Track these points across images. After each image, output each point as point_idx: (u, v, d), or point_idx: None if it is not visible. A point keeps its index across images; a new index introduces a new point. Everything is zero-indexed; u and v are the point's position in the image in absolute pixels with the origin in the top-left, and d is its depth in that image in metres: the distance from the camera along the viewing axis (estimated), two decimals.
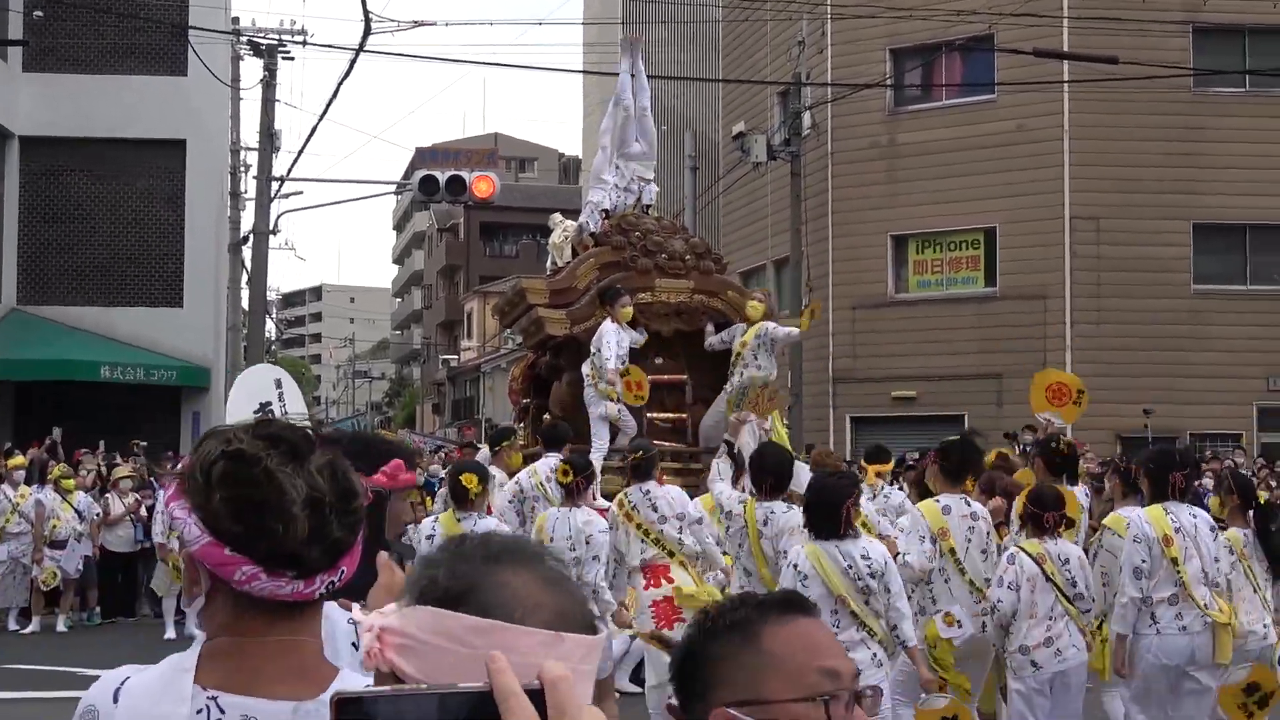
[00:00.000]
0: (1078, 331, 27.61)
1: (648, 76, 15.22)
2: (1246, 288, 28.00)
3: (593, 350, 12.65)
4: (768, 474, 8.25)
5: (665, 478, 12.09)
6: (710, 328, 13.46)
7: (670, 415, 13.56)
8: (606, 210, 14.29)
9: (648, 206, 14.79)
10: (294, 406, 4.08)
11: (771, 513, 8.10)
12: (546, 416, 13.48)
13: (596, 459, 12.15)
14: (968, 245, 29.13)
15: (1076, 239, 27.59)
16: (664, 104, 46.73)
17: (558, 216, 15.31)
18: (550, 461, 10.94)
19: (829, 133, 29.86)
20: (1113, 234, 27.33)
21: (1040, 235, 27.80)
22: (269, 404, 4.13)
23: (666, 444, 12.95)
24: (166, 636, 15.39)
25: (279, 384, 4.03)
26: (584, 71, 50.56)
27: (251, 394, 4.16)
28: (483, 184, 21.96)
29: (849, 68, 29.43)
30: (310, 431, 2.03)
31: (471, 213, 61.56)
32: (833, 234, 29.86)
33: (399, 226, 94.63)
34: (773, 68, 31.86)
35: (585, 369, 12.74)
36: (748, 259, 32.35)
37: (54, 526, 16.49)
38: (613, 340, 12.56)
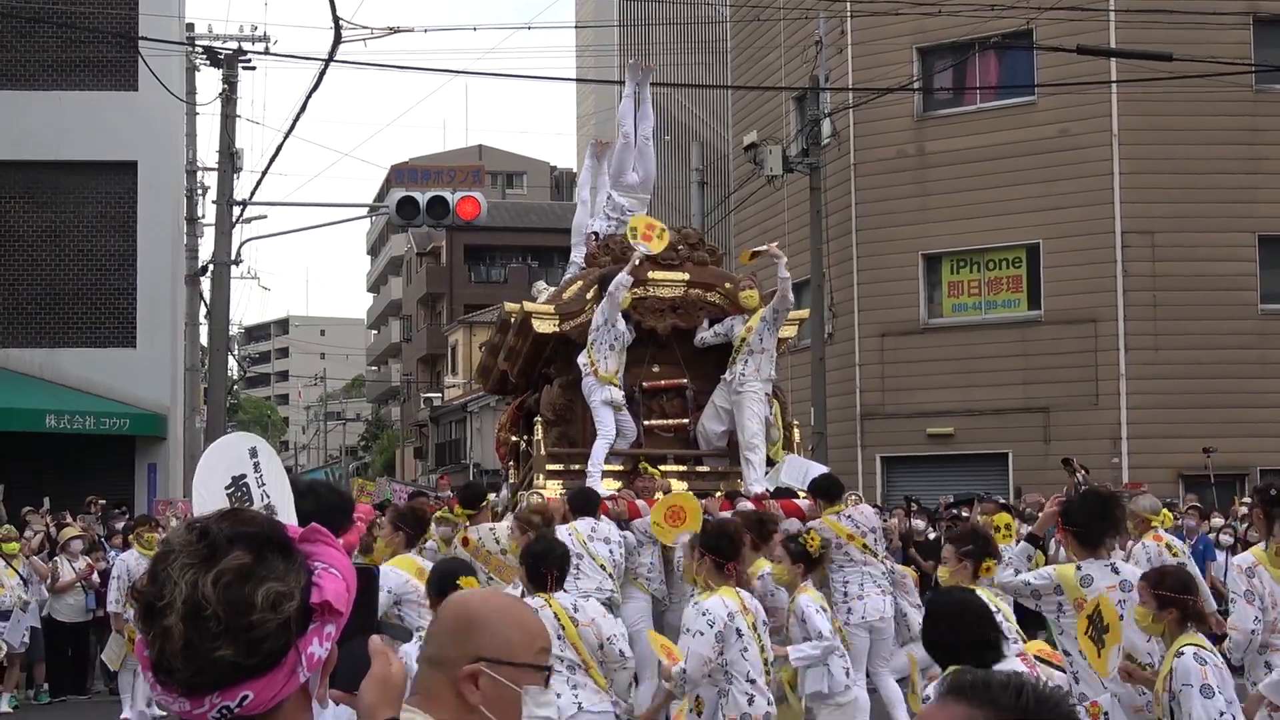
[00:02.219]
0: (1132, 358, 27.58)
1: (650, 83, 15.84)
2: None
3: (593, 326, 13.34)
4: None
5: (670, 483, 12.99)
6: (705, 323, 14.11)
7: (671, 422, 14.10)
8: (596, 233, 14.94)
9: None
10: (273, 480, 4.04)
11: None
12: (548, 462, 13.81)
13: (602, 447, 13.12)
14: (1008, 264, 29.12)
15: (1129, 255, 27.59)
16: (668, 113, 46.64)
17: (541, 284, 16.10)
18: (587, 523, 11.41)
19: (851, 141, 29.95)
20: (1169, 249, 27.34)
21: (1088, 252, 27.80)
22: (243, 477, 4.09)
23: (668, 451, 13.86)
24: (123, 717, 15.24)
25: (254, 453, 4.00)
26: (577, 80, 50.91)
27: (224, 468, 4.10)
28: (468, 205, 22.12)
29: (872, 69, 29.49)
30: (267, 530, 2.04)
31: (454, 235, 61.46)
32: (857, 254, 29.96)
33: (374, 251, 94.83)
34: (787, 70, 31.98)
35: (582, 359, 13.39)
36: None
37: None
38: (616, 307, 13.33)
